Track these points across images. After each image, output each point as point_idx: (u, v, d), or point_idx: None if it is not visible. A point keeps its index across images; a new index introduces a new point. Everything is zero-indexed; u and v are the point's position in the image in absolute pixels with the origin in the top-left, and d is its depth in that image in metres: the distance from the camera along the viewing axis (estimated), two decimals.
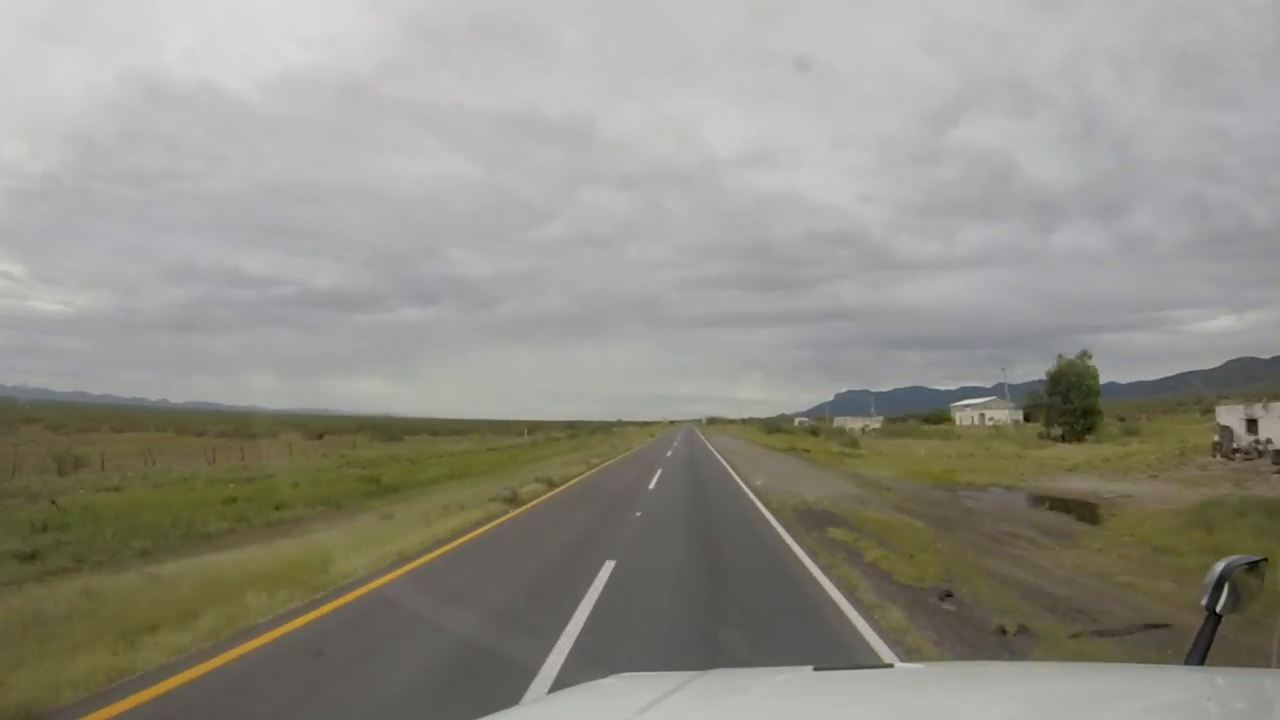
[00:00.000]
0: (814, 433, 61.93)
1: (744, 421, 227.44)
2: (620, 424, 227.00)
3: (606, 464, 29.67)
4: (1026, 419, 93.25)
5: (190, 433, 67.73)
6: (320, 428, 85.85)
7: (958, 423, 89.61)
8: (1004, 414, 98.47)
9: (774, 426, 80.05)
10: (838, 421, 73.95)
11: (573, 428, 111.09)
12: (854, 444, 43.00)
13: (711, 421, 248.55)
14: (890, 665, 3.42)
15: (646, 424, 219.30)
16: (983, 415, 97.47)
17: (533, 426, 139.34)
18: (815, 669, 1.70)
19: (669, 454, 35.50)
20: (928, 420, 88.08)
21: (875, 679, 1.81)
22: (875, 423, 67.96)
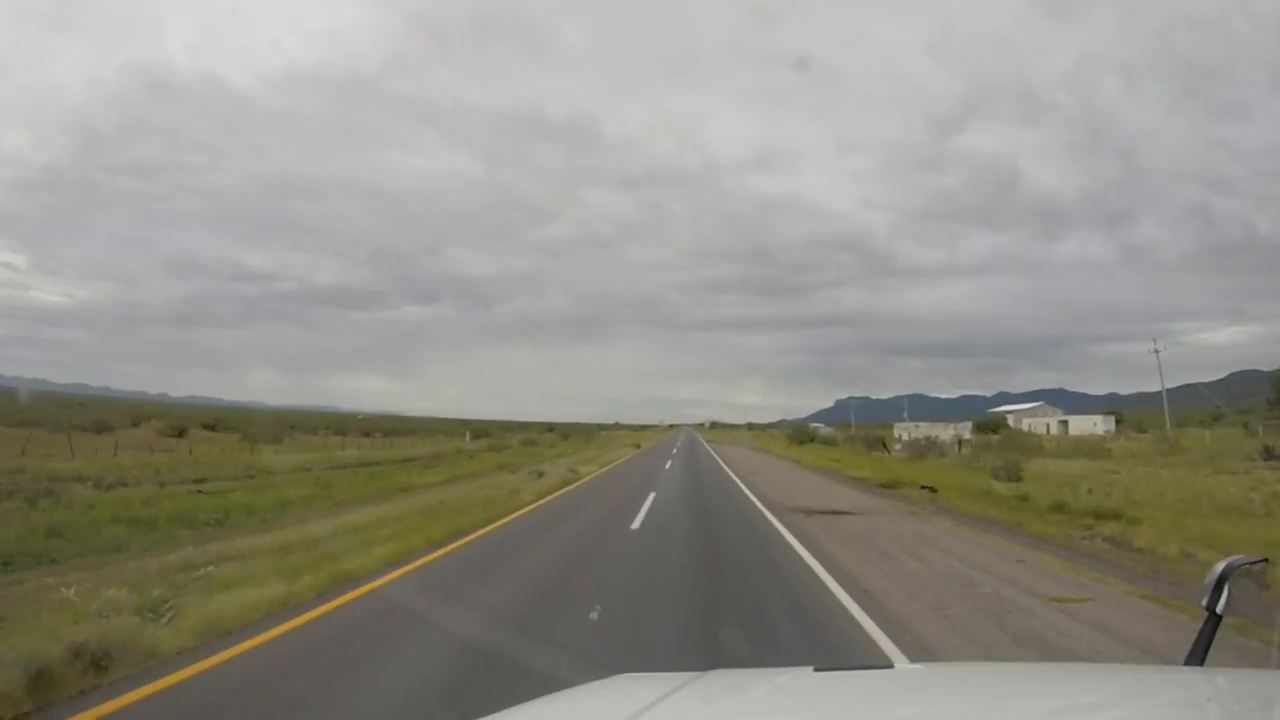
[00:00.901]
0: (882, 444, 39.53)
1: (749, 427, 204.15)
2: (617, 426, 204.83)
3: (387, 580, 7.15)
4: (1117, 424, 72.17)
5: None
6: (241, 423, 66.39)
7: (1026, 429, 67.88)
8: (1076, 419, 76.29)
9: (803, 433, 57.57)
10: (901, 429, 51.39)
11: (552, 430, 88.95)
12: (1016, 474, 20.87)
13: (714, 426, 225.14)
14: (890, 666, 3.15)
15: (643, 427, 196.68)
16: (1063, 423, 75.09)
17: (513, 427, 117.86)
18: (816, 669, 1.62)
19: (642, 516, 12.56)
20: (980, 428, 66.21)
21: (875, 680, 1.71)
22: (964, 430, 45.64)
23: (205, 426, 64.70)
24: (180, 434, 53.55)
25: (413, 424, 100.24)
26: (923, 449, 34.87)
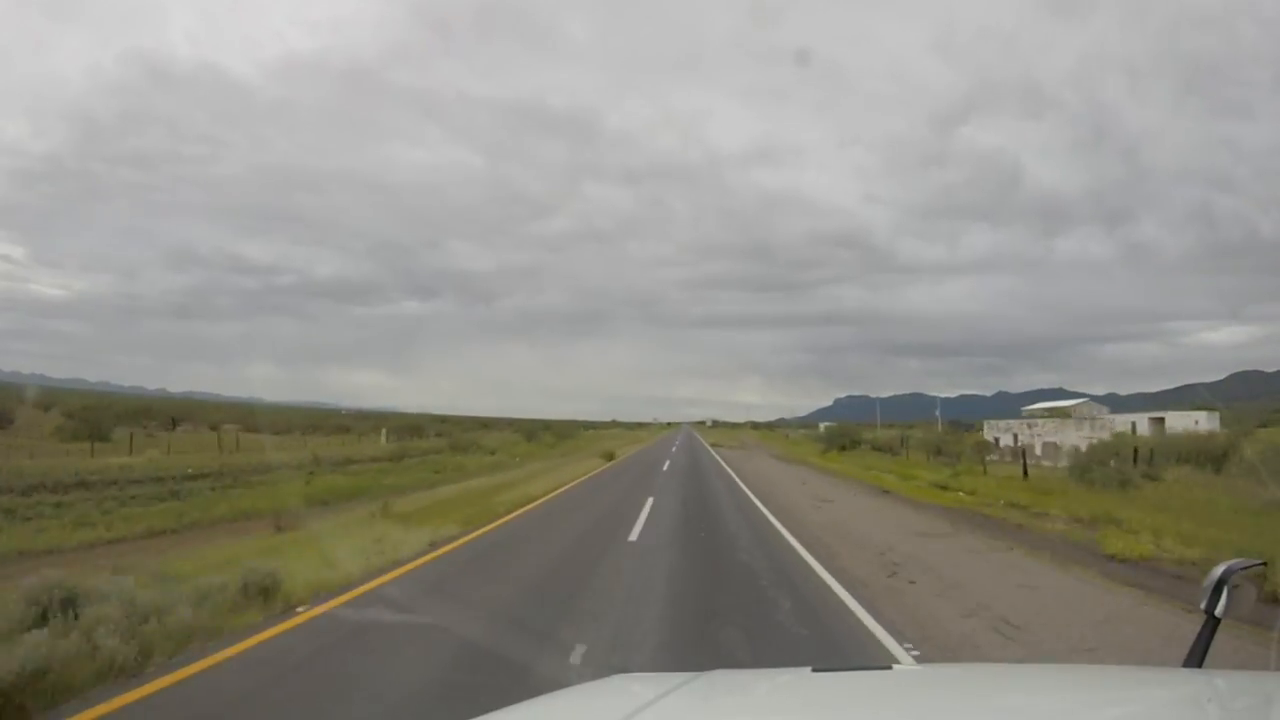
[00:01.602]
0: (1022, 458, 23.45)
1: (754, 426, 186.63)
2: (613, 424, 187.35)
3: None
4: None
5: None
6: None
7: (1121, 430, 51.91)
8: (1173, 415, 60.32)
9: (843, 436, 41.22)
10: (993, 429, 35.13)
11: (516, 427, 72.43)
12: None
13: (715, 425, 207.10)
14: (888, 666, 2.86)
15: (639, 425, 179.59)
16: (1157, 420, 58.99)
17: (493, 424, 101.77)
18: (814, 670, 1.59)
19: None
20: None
21: (873, 680, 1.66)
22: (1101, 431, 29.92)
23: (66, 414, 49.06)
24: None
25: (380, 420, 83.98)
26: (1114, 473, 18.67)
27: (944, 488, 20.61)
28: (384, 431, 43.58)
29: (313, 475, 21.75)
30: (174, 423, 52.47)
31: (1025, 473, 22.63)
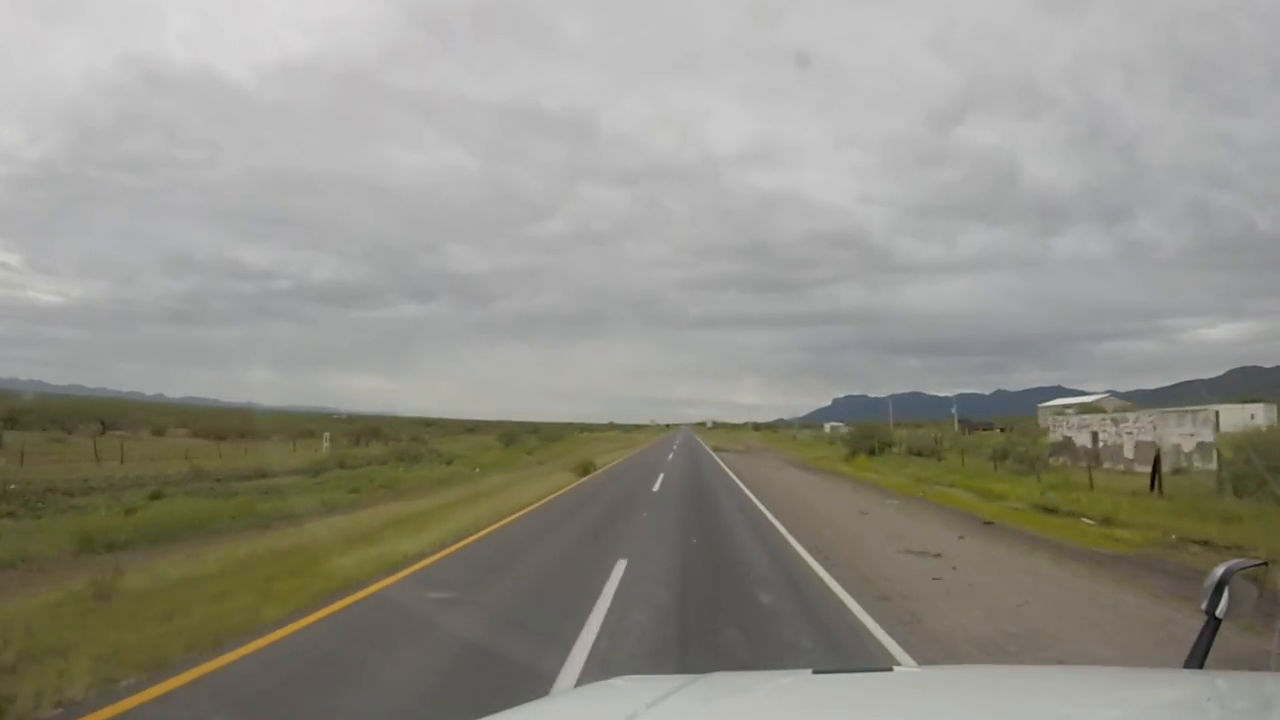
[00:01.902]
0: (1154, 468, 17.32)
1: (755, 427, 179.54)
2: (610, 426, 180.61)
3: None
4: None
5: None
6: None
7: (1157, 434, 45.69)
8: (1227, 409, 54.38)
9: (869, 436, 34.89)
10: (1050, 424, 28.64)
11: (502, 431, 66.00)
12: None
13: (715, 426, 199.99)
14: (889, 668, 2.75)
15: (636, 427, 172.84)
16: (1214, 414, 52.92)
17: (477, 427, 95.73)
18: (815, 672, 1.58)
19: None
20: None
21: (874, 682, 1.63)
22: (1202, 430, 23.89)
23: None
24: None
25: (370, 423, 77.52)
26: None
27: (1051, 510, 14.42)
28: (325, 436, 37.17)
29: (158, 497, 15.44)
30: (104, 426, 46.21)
31: (1155, 485, 16.45)
